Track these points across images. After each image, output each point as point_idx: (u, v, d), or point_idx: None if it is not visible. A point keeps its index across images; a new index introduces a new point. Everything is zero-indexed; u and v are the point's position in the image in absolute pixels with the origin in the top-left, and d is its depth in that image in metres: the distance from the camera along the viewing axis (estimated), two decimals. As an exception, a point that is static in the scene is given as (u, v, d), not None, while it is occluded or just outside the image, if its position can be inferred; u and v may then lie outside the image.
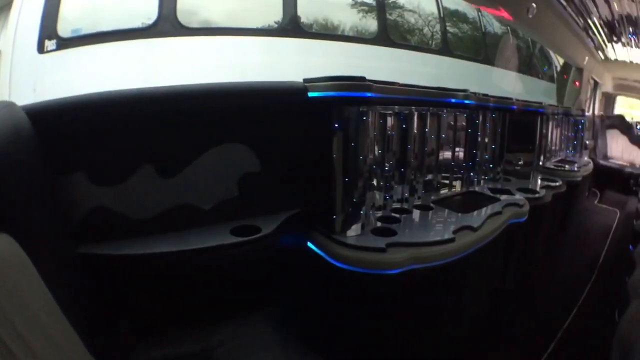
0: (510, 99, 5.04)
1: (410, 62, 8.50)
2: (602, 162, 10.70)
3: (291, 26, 6.53)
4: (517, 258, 4.41)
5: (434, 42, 9.41)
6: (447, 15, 10.20)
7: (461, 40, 10.78)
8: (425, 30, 9.63)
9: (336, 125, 2.88)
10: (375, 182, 3.37)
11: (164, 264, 2.53)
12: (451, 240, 2.99)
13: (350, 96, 2.89)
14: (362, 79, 2.92)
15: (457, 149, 4.35)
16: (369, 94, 2.94)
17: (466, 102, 4.07)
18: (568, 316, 4.49)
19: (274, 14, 6.49)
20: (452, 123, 4.20)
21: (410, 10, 9.28)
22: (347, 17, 7.90)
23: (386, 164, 3.54)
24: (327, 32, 7.57)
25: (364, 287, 2.82)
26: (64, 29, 4.42)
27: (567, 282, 5.35)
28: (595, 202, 9.86)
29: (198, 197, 2.82)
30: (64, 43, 4.42)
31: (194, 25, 5.38)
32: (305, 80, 3.09)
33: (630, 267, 4.21)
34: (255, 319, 2.93)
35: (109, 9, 4.88)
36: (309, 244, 3.01)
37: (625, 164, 11.02)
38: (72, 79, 4.40)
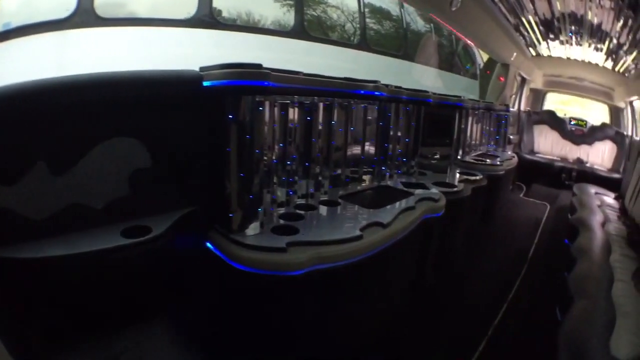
0: (427, 92, 4.91)
1: (328, 56, 8.44)
2: (528, 156, 10.85)
3: (207, 17, 6.31)
4: (436, 253, 4.29)
5: (355, 38, 9.39)
6: (372, 12, 10.25)
7: (382, 36, 10.81)
8: (348, 26, 9.66)
9: (231, 116, 2.64)
10: (276, 177, 3.16)
11: (57, 268, 2.28)
12: (358, 237, 2.80)
13: (246, 85, 2.65)
14: (258, 66, 2.69)
15: (368, 142, 4.18)
16: (265, 83, 2.69)
17: (376, 93, 3.88)
18: (499, 312, 4.38)
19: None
20: (362, 115, 4.02)
21: (333, 6, 9.32)
22: (270, 11, 7.95)
23: (289, 158, 3.31)
24: (243, 24, 7.47)
25: (265, 289, 2.61)
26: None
27: (496, 277, 5.27)
28: (521, 195, 9.95)
29: (89, 196, 2.56)
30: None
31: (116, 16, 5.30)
32: (201, 69, 2.84)
33: (568, 263, 4.21)
34: (158, 324, 2.70)
35: (44, 2, 4.79)
36: (208, 244, 2.76)
37: (556, 158, 11.18)
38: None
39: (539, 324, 4.06)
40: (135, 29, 5.52)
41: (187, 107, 2.80)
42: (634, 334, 3.01)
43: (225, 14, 7.01)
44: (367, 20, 10.37)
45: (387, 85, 4.11)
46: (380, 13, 10.78)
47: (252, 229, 2.76)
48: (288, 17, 7.99)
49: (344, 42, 9.33)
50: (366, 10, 10.01)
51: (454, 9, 5.20)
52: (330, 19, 9.38)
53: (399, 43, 10.61)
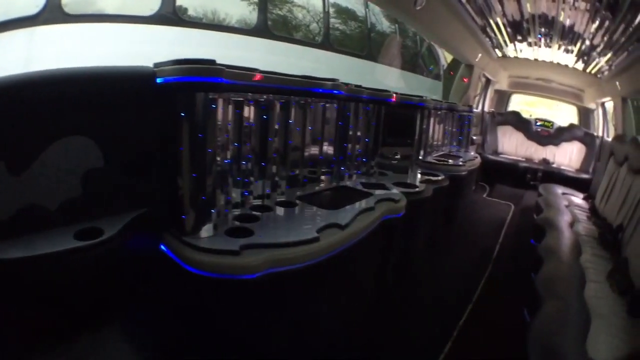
0: (388, 91, 4.81)
1: (292, 55, 8.45)
2: (491, 157, 10.91)
3: (170, 14, 6.27)
4: (398, 254, 4.24)
5: (321, 38, 9.40)
6: (337, 12, 10.25)
7: (347, 37, 10.82)
8: (314, 25, 9.67)
9: (183, 113, 2.54)
10: (231, 178, 3.06)
11: (13, 271, 2.20)
12: (315, 239, 2.72)
13: (198, 81, 2.54)
14: (211, 62, 2.58)
15: (327, 142, 4.11)
16: (219, 79, 2.59)
17: (334, 92, 3.79)
18: (464, 312, 4.37)
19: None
20: (321, 114, 3.94)
21: (299, 6, 9.38)
22: (236, 10, 7.98)
23: (244, 158, 3.22)
24: (208, 22, 7.52)
25: (220, 293, 2.52)
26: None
27: (460, 277, 5.28)
28: (485, 195, 10.01)
29: (44, 196, 2.45)
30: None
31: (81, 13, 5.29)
32: (156, 65, 2.71)
33: (535, 263, 4.19)
34: (114, 330, 2.61)
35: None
36: (162, 247, 2.65)
37: (520, 159, 11.24)
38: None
39: (506, 324, 4.03)
40: (101, 25, 5.53)
41: (140, 105, 2.69)
42: (612, 335, 3.01)
43: (191, 12, 7.03)
44: (333, 20, 10.37)
45: (346, 84, 4.04)
46: (346, 13, 10.82)
47: (206, 231, 2.66)
48: (253, 16, 7.98)
49: (306, 41, 9.31)
50: (332, 10, 10.03)
51: (418, 8, 5.14)
52: (295, 18, 9.38)
53: (363, 43, 10.63)
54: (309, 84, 3.56)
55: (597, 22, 5.80)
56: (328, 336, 3.27)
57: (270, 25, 8.18)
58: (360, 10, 10.74)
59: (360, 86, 4.30)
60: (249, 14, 8.00)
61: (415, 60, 12.82)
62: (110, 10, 5.75)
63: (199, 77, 2.52)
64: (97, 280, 2.50)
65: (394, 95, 4.88)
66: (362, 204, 3.57)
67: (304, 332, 2.98)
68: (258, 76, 3.04)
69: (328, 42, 9.37)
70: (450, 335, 3.92)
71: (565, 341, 2.83)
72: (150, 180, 2.78)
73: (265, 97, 3.25)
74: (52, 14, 4.79)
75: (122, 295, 2.68)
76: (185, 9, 6.93)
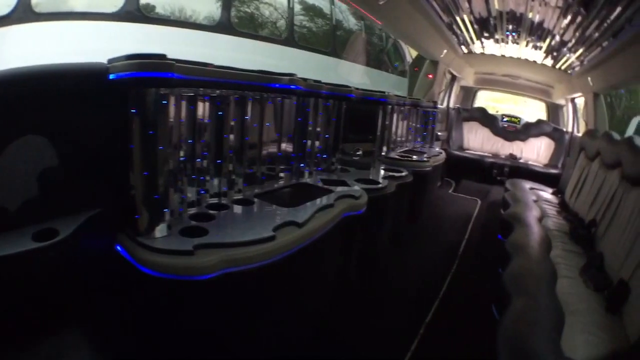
0: (348, 87, 4.76)
1: (257, 52, 8.44)
2: (457, 152, 10.93)
3: (134, 11, 6.33)
4: (361, 252, 4.22)
5: (285, 34, 9.43)
6: (305, 9, 10.27)
7: (314, 34, 10.83)
8: (281, 22, 9.74)
9: (133, 110, 2.46)
10: (185, 176, 3.00)
11: None
12: (271, 238, 2.67)
13: (148, 76, 2.46)
14: (162, 56, 2.50)
15: (286, 139, 4.06)
16: (169, 74, 2.51)
17: (291, 87, 3.71)
18: (430, 309, 4.35)
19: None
20: (279, 110, 3.89)
21: (266, 3, 9.51)
22: (203, 7, 8.04)
23: (199, 155, 3.15)
24: (175, 19, 7.55)
25: (175, 295, 2.44)
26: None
27: (426, 274, 5.25)
28: (450, 191, 10.08)
29: (4, 197, 2.38)
30: None
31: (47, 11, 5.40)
32: (109, 61, 2.62)
33: (503, 259, 4.13)
34: (72, 333, 2.53)
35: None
36: (118, 247, 2.57)
37: (486, 154, 11.27)
38: None
39: (474, 321, 4.02)
40: (70, 23, 5.63)
41: (93, 102, 2.60)
42: (589, 333, 2.95)
43: (159, 9, 7.22)
44: (301, 17, 10.41)
45: (305, 79, 3.96)
46: (313, 10, 10.85)
47: (159, 231, 2.59)
48: (235, 13, 8.31)
49: (270, 38, 9.31)
50: (299, 7, 10.06)
51: (381, 2, 5.09)
52: (262, 15, 9.39)
53: (328, 40, 10.65)
54: (265, 79, 3.49)
55: (568, 18, 5.82)
56: (289, 335, 3.22)
57: (235, 22, 8.17)
58: (327, 7, 10.77)
59: (319, 81, 4.23)
60: (217, 10, 8.05)
61: (380, 57, 12.87)
62: (79, 8, 5.81)
63: (149, 72, 2.44)
64: (54, 282, 2.43)
65: (355, 90, 4.84)
66: (321, 201, 3.52)
67: (264, 332, 2.93)
68: (211, 71, 2.98)
69: (292, 38, 9.36)
70: (416, 333, 3.90)
71: (537, 339, 2.74)
72: (104, 179, 2.70)
73: (219, 92, 3.18)
74: (23, 13, 4.87)
75: (79, 297, 2.59)
76: (153, 7, 6.93)
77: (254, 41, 8.55)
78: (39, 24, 5.12)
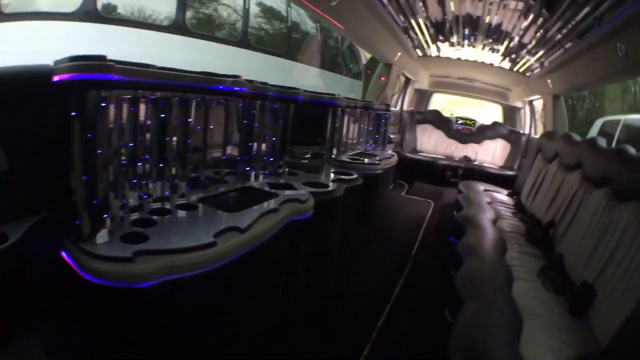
0: (296, 89, 4.74)
1: (212, 54, 8.45)
2: (410, 155, 10.99)
3: (91, 11, 6.30)
4: (310, 256, 4.20)
5: (239, 36, 9.44)
6: (263, 11, 10.27)
7: (271, 36, 10.83)
8: (239, 24, 9.71)
9: (74, 113, 2.42)
10: (127, 180, 2.94)
11: None
12: (211, 244, 2.64)
13: (87, 78, 2.42)
14: (102, 58, 2.46)
15: (232, 142, 4.00)
16: (109, 76, 2.47)
17: (235, 89, 3.66)
18: (382, 314, 4.33)
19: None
20: (224, 113, 3.83)
21: (224, 4, 9.37)
22: (164, 8, 8.04)
23: (141, 159, 3.10)
24: (133, 20, 7.58)
25: (117, 302, 2.40)
26: None
27: (377, 277, 5.23)
28: (403, 193, 10.12)
29: None
30: None
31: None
32: (55, 62, 2.56)
33: (455, 261, 4.13)
34: (23, 341, 2.49)
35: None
36: (64, 253, 2.52)
37: (440, 156, 11.32)
38: None
39: (427, 325, 4.04)
40: (35, 23, 5.77)
41: (39, 105, 2.56)
42: (551, 337, 2.93)
43: (120, 9, 7.31)
44: (259, 19, 10.39)
45: (251, 81, 3.93)
46: (271, 12, 10.85)
47: (101, 237, 2.54)
48: (190, 14, 8.40)
49: (224, 39, 9.30)
50: (258, 9, 10.05)
51: (333, 3, 5.08)
52: (220, 16, 9.37)
53: (282, 41, 10.67)
54: (207, 80, 3.45)
55: (529, 20, 5.86)
56: (235, 343, 3.19)
57: (193, 23, 8.17)
58: (285, 9, 10.82)
59: (266, 84, 4.20)
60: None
61: (335, 60, 12.92)
62: (45, 8, 5.95)
63: (88, 74, 2.41)
64: (4, 287, 2.38)
65: (303, 93, 4.83)
66: (266, 205, 3.50)
67: (208, 340, 2.88)
68: (153, 73, 2.94)
69: (246, 40, 9.34)
70: (369, 338, 3.88)
71: (493, 344, 2.72)
72: (51, 184, 2.64)
73: (162, 94, 3.14)
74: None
75: (28, 303, 2.55)
76: (115, 6, 6.92)
77: (209, 42, 8.55)
78: (7, 25, 5.23)
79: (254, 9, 10.25)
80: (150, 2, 7.90)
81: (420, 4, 6.17)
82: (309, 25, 11.92)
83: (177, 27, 7.82)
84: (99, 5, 6.62)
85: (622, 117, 11.34)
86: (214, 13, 9.51)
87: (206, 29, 9.21)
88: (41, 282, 2.56)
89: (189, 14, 8.81)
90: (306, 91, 4.92)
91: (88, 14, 6.26)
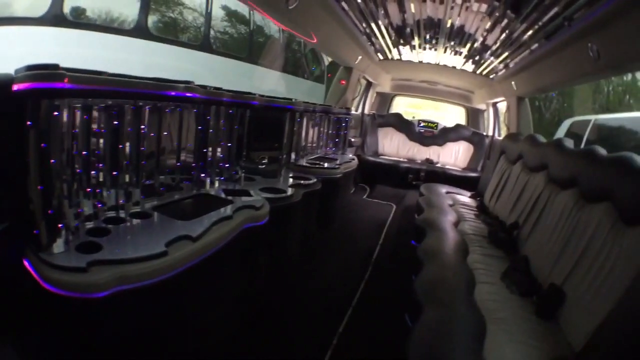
0: (252, 94, 4.71)
1: (173, 58, 8.41)
2: (371, 158, 10.99)
3: (58, 15, 6.26)
4: (268, 263, 4.22)
5: (201, 40, 9.43)
6: (227, 15, 10.24)
7: (235, 40, 10.81)
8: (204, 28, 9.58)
9: (29, 122, 2.43)
10: (82, 189, 2.94)
11: None
12: (163, 254, 2.63)
13: (40, 88, 2.42)
14: (55, 66, 2.47)
15: (187, 148, 4.00)
16: (60, 85, 2.47)
17: (188, 95, 3.64)
18: (343, 319, 4.33)
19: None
20: (178, 119, 3.83)
21: (190, 8, 9.35)
22: (131, 11, 7.98)
23: (95, 167, 3.09)
24: (99, 23, 7.56)
25: (75, 312, 2.41)
26: None
27: (337, 282, 5.21)
28: (365, 197, 10.14)
29: None
30: None
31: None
32: (16, 71, 2.55)
33: (416, 265, 4.08)
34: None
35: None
36: (26, 262, 2.51)
37: (402, 159, 11.36)
38: None
39: (388, 331, 4.02)
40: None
41: (1, 114, 2.54)
42: (518, 341, 2.85)
43: (89, 12, 7.34)
44: (224, 23, 10.37)
45: (205, 87, 3.91)
46: (235, 16, 10.82)
47: (57, 246, 2.55)
48: (152, 17, 8.32)
49: (186, 43, 9.28)
50: (223, 13, 10.04)
51: (290, 7, 5.08)
52: (185, 20, 9.34)
53: (244, 45, 10.65)
54: (160, 86, 3.43)
55: (493, 22, 5.80)
56: (191, 352, 3.19)
57: (156, 26, 8.13)
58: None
59: (220, 89, 4.16)
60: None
61: (298, 63, 12.92)
62: (19, 12, 5.97)
63: (41, 83, 2.41)
64: None
65: (259, 97, 4.82)
66: (219, 213, 3.48)
67: (163, 351, 2.90)
68: (104, 80, 2.93)
69: (208, 44, 9.32)
70: (330, 344, 3.89)
71: (454, 351, 2.66)
72: (12, 193, 2.64)
73: (114, 102, 3.13)
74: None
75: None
76: (84, 10, 6.89)
77: (172, 46, 8.52)
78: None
79: (219, 13, 10.23)
80: (119, 5, 7.88)
81: (381, 8, 6.16)
82: (273, 28, 11.91)
83: (139, 30, 7.77)
84: (67, 9, 6.58)
85: (593, 117, 11.31)
86: (179, 17, 9.47)
87: (171, 32, 9.18)
88: (5, 291, 2.57)
89: (155, 17, 8.80)
90: (262, 96, 4.92)
91: (55, 18, 6.22)
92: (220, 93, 4.16)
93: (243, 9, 10.78)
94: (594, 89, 21.72)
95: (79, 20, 7.18)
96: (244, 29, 11.19)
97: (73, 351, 2.50)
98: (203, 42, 9.14)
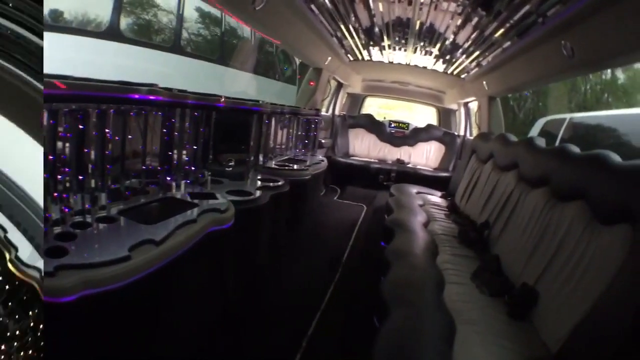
0: (218, 96, 4.73)
1: (146, 60, 8.36)
2: (342, 159, 11.08)
3: None
4: (235, 267, 4.22)
5: (172, 41, 9.38)
6: (201, 16, 10.20)
7: (207, 41, 10.78)
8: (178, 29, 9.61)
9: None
10: (49, 194, 2.94)
11: None
12: (125, 258, 2.65)
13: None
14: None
15: (152, 151, 4.01)
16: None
17: (151, 98, 3.67)
18: (311, 323, 4.34)
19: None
20: (144, 122, 3.83)
21: (165, 10, 9.19)
22: (108, 12, 7.93)
23: (60, 172, 3.08)
24: (75, 25, 7.54)
25: (48, 315, 2.43)
26: None
27: (306, 285, 5.23)
28: (335, 198, 10.18)
29: None
30: None
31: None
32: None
33: (384, 267, 4.03)
34: None
35: None
36: None
37: (373, 160, 11.47)
38: None
39: (357, 333, 3.98)
40: None
41: None
42: (489, 343, 2.84)
43: (67, 15, 7.35)
44: (198, 25, 10.32)
45: (170, 89, 3.93)
46: (209, 18, 10.78)
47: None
48: (125, 19, 8.26)
49: (156, 45, 9.22)
50: (197, 15, 10.00)
51: (257, 8, 5.06)
52: (159, 22, 9.29)
53: (214, 47, 10.62)
54: (122, 90, 3.44)
55: (462, 21, 5.76)
56: (162, 358, 3.23)
57: (131, 28, 8.10)
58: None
59: (184, 91, 4.17)
60: (123, 17, 8.20)
61: (270, 64, 12.90)
62: None
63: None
64: None
65: (225, 100, 4.83)
66: (184, 216, 3.48)
67: (131, 355, 2.90)
68: (67, 84, 2.94)
69: (179, 45, 9.28)
70: (299, 347, 3.91)
71: (422, 353, 2.63)
72: None
73: (77, 105, 3.11)
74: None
75: None
76: (62, 12, 6.85)
77: (144, 48, 8.48)
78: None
79: (192, 15, 10.20)
80: (95, 7, 7.81)
81: (350, 10, 6.16)
82: (246, 30, 11.86)
83: (111, 33, 7.73)
84: (46, 11, 6.53)
85: (568, 116, 11.26)
86: (153, 19, 9.41)
87: (146, 34, 9.13)
88: None
89: (129, 19, 8.75)
90: (229, 98, 4.94)
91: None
92: (184, 95, 4.17)
93: (217, 11, 10.71)
94: (570, 88, 21.80)
95: (56, 24, 7.16)
96: (218, 30, 11.14)
97: (43, 356, 2.55)
98: (174, 44, 9.10)
